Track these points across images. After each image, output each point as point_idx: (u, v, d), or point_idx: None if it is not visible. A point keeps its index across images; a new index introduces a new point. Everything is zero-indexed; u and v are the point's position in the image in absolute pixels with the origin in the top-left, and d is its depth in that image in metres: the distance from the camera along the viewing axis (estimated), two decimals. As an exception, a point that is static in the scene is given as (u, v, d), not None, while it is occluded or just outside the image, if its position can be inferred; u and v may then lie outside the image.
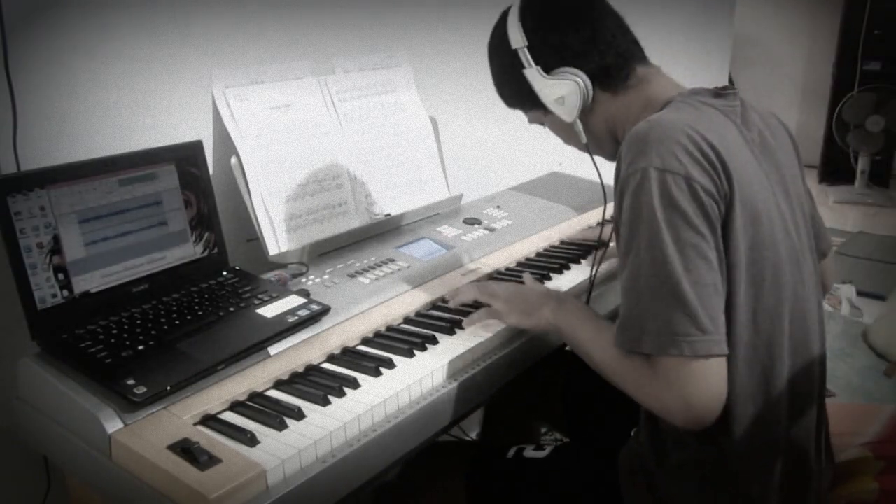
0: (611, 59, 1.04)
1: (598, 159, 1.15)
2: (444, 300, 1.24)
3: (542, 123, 1.16)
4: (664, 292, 0.84)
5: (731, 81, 3.81)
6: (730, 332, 0.88)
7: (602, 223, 1.30)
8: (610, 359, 0.96)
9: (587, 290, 1.24)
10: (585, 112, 1.06)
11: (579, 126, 1.08)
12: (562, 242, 1.55)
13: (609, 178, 1.05)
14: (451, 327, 1.15)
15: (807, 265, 0.99)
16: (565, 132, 1.13)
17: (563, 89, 1.04)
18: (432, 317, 1.20)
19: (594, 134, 1.10)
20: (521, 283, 1.25)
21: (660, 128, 0.89)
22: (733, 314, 0.89)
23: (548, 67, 1.04)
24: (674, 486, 0.97)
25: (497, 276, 1.38)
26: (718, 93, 1.00)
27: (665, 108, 0.98)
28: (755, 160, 0.95)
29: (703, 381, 0.85)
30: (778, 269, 0.92)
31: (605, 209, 1.20)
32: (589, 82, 1.04)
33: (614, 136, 1.10)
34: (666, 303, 0.84)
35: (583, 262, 1.44)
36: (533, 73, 1.04)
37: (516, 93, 1.10)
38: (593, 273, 1.24)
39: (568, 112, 1.06)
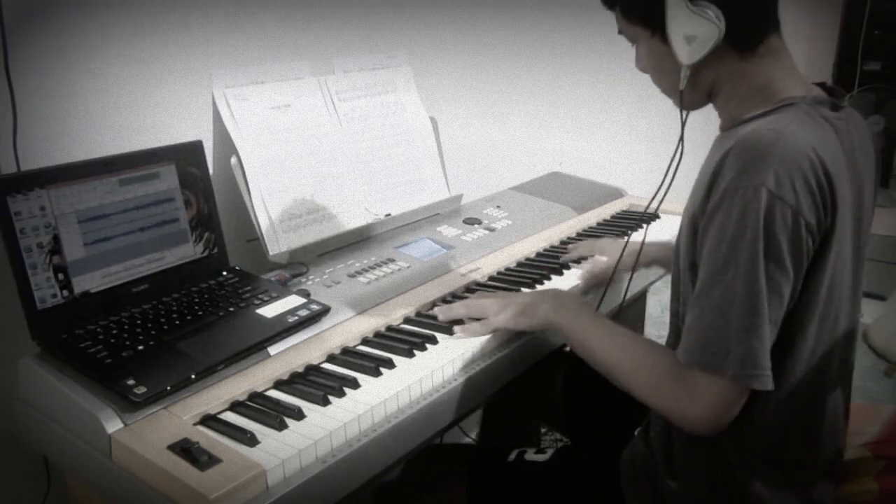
0: (757, 15, 0.92)
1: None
2: (433, 316, 1.19)
3: (633, 41, 1.01)
4: (753, 324, 0.83)
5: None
6: (788, 364, 0.89)
7: (640, 249, 1.20)
8: (624, 357, 0.96)
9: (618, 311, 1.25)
10: (701, 60, 0.92)
11: (687, 72, 0.94)
12: (562, 243, 1.55)
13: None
14: (451, 327, 1.15)
15: (857, 301, 0.98)
16: (661, 65, 0.98)
17: (700, 28, 0.89)
18: (432, 317, 1.20)
19: (694, 84, 0.96)
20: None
21: (784, 146, 0.82)
22: (797, 348, 0.89)
23: None
24: (680, 488, 0.97)
25: (497, 275, 1.38)
26: (835, 104, 0.93)
27: (786, 110, 0.90)
28: (851, 189, 0.90)
29: (735, 408, 0.86)
30: (839, 308, 0.91)
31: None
32: (724, 33, 0.89)
33: (711, 93, 0.99)
34: (753, 334, 0.83)
35: (583, 262, 1.44)
36: None
37: (641, 2, 0.95)
38: (624, 297, 1.23)
39: (689, 54, 0.91)
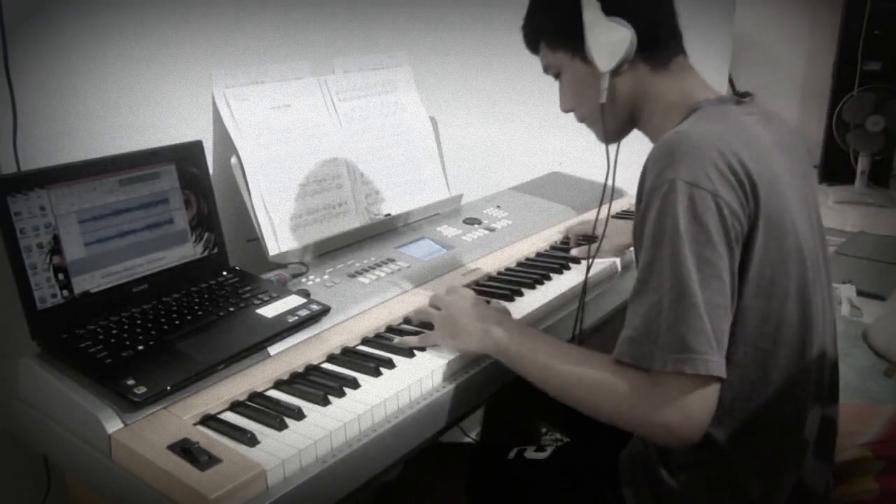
0: (665, 32, 1.01)
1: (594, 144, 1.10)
2: (408, 321, 1.19)
3: (556, 74, 1.08)
4: (682, 309, 0.84)
5: (731, 82, 3.81)
6: (740, 346, 0.89)
7: (607, 218, 1.25)
8: (589, 376, 0.92)
9: (581, 294, 1.23)
10: (618, 72, 1.00)
11: (606, 82, 1.01)
12: (562, 243, 1.55)
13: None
14: (451, 327, 1.15)
15: (825, 274, 0.99)
16: (583, 87, 1.04)
17: (614, 35, 0.97)
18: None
19: (614, 101, 1.03)
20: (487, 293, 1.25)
21: (690, 140, 0.88)
22: (745, 328, 0.89)
23: (607, 8, 0.97)
24: (678, 486, 0.97)
25: (497, 275, 1.38)
26: (739, 101, 0.99)
27: (693, 114, 0.96)
28: (784, 167, 0.94)
29: (703, 400, 0.85)
30: (804, 283, 0.92)
31: (609, 206, 1.17)
32: (636, 43, 0.98)
33: (632, 114, 1.05)
34: (683, 320, 0.83)
35: (583, 262, 1.44)
36: (592, 6, 0.97)
37: (559, 23, 1.03)
38: (586, 277, 1.22)
39: (608, 59, 0.98)
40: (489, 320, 1.06)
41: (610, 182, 1.11)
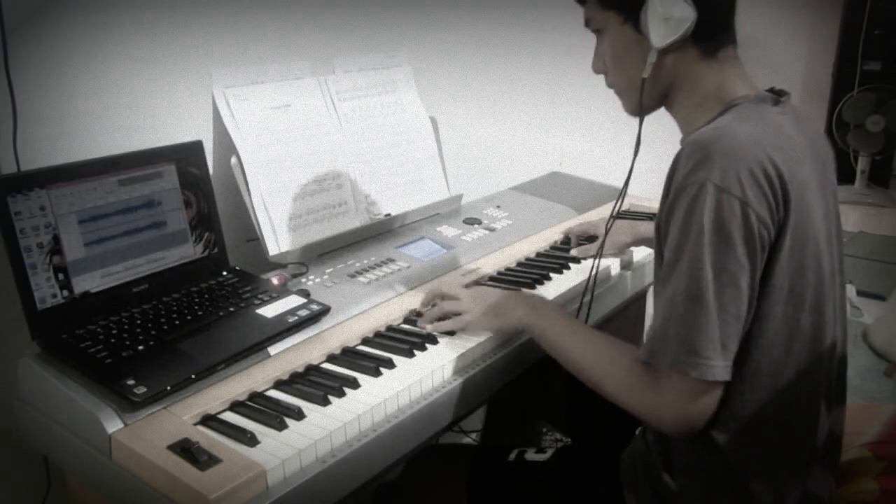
0: (721, 20, 0.97)
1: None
2: (418, 314, 1.21)
3: (598, 30, 1.02)
4: (695, 314, 0.84)
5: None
6: (754, 354, 0.89)
7: (612, 217, 1.22)
8: (598, 360, 0.97)
9: (583, 293, 1.23)
10: (667, 50, 0.95)
11: (654, 58, 0.96)
12: (562, 243, 1.55)
13: (615, 178, 1.03)
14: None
15: (839, 282, 0.98)
16: (626, 55, 0.99)
17: (677, 12, 0.92)
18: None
19: (653, 78, 0.98)
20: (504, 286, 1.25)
21: (727, 141, 0.85)
22: (765, 336, 0.89)
23: None
24: (679, 488, 0.97)
25: (497, 275, 1.38)
26: (776, 100, 0.96)
27: (730, 110, 0.93)
28: (813, 173, 0.93)
29: (703, 403, 0.87)
30: (819, 293, 0.91)
31: (619, 203, 1.16)
32: (695, 24, 0.93)
33: (666, 95, 1.01)
34: (693, 324, 0.85)
35: (582, 262, 1.44)
36: None
37: None
38: (592, 274, 1.22)
39: (663, 35, 0.93)
40: (517, 297, 1.12)
41: (619, 181, 1.11)
